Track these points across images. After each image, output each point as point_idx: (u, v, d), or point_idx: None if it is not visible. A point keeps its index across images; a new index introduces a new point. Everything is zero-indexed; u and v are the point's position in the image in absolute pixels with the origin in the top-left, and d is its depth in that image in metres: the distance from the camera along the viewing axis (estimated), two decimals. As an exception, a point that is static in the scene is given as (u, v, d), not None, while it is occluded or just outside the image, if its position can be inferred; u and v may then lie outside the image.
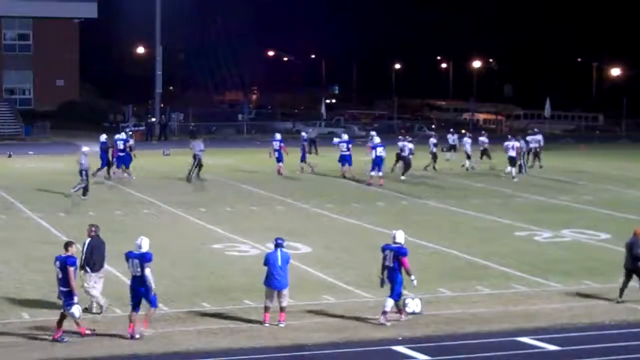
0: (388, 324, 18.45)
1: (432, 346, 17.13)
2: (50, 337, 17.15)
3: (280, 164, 43.61)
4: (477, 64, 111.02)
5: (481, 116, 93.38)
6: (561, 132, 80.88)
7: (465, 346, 17.20)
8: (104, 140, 42.32)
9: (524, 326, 18.44)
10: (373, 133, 44.73)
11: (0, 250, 25.23)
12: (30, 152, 55.48)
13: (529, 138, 46.81)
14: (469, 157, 46.15)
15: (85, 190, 35.14)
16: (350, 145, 42.28)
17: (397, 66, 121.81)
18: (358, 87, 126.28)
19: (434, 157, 45.43)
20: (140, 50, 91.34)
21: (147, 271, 17.42)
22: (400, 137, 45.96)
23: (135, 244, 17.69)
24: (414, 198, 36.23)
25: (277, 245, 18.63)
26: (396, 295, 18.57)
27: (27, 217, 30.99)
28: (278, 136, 45.10)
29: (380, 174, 40.04)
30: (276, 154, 44.00)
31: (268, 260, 18.50)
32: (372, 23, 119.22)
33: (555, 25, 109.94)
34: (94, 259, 18.98)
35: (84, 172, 35.05)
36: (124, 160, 41.85)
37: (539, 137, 47.70)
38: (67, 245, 17.78)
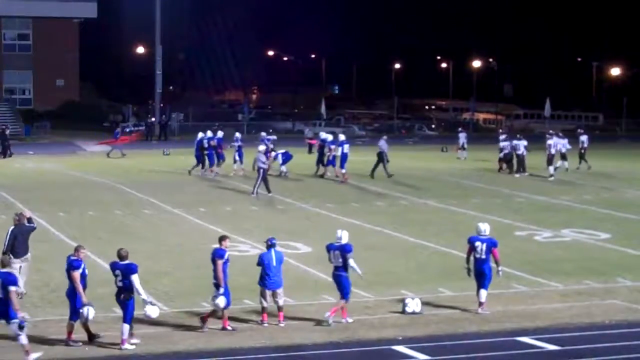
0: (488, 312, 19.19)
1: (432, 346, 17.12)
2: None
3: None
4: (477, 64, 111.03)
5: (481, 116, 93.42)
6: (561, 131, 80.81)
7: (465, 346, 17.20)
8: (200, 138, 43.42)
9: (524, 326, 18.44)
10: (326, 134, 44.71)
11: None
12: (30, 152, 55.48)
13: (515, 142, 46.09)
14: (564, 157, 45.50)
15: (255, 187, 36.16)
16: (332, 146, 42.28)
17: (397, 66, 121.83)
18: (358, 87, 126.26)
19: (521, 161, 44.18)
20: (140, 50, 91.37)
21: (351, 261, 18.45)
22: (502, 136, 46.18)
23: (335, 236, 18.72)
24: (414, 198, 36.23)
25: (271, 246, 18.64)
26: (487, 286, 19.41)
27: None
28: (264, 135, 45.11)
29: (344, 170, 40.76)
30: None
31: (262, 261, 18.51)
32: (372, 23, 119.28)
33: (555, 25, 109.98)
34: (17, 246, 19.68)
35: (261, 171, 36.14)
36: (210, 158, 42.97)
37: (584, 137, 47.36)
38: (222, 239, 18.46)
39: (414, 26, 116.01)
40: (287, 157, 42.60)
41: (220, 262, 18.07)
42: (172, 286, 21.22)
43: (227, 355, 16.61)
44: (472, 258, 19.68)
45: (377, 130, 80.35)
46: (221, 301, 17.90)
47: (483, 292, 19.38)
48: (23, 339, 15.81)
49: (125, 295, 17.03)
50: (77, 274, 16.87)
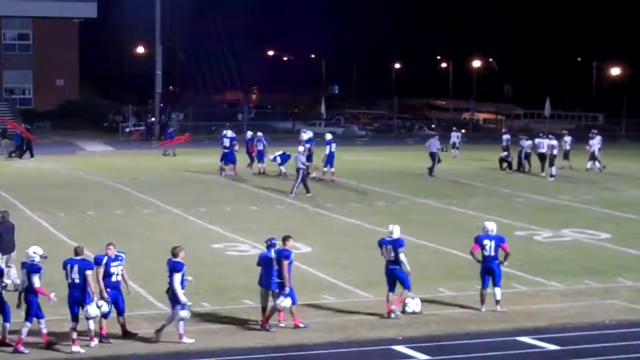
0: (505, 309, 19.37)
1: (432, 346, 17.13)
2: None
3: (262, 164, 43.58)
4: (477, 64, 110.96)
5: (481, 116, 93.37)
6: (561, 131, 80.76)
7: (465, 346, 17.21)
8: (223, 134, 43.79)
9: (524, 326, 18.45)
10: (305, 131, 44.82)
11: None
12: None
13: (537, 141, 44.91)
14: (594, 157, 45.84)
15: (294, 187, 36.31)
16: (307, 145, 42.48)
17: (397, 66, 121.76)
18: (358, 87, 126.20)
19: (593, 157, 44.17)
20: (140, 50, 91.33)
21: (402, 256, 18.93)
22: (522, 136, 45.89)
23: (387, 231, 19.45)
24: (414, 198, 36.24)
25: (271, 246, 18.65)
26: (499, 283, 19.59)
27: (27, 217, 30.95)
28: (260, 135, 45.01)
29: (333, 169, 40.77)
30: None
31: (262, 261, 18.52)
32: (372, 23, 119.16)
33: (555, 25, 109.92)
34: (4, 242, 20.63)
35: (301, 171, 36.40)
36: (230, 157, 43.28)
37: (598, 138, 46.45)
38: (285, 239, 18.57)
39: (414, 26, 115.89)
40: (285, 158, 42.68)
41: (286, 263, 18.24)
42: (172, 286, 21.19)
43: (227, 355, 16.63)
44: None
45: (377, 130, 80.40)
46: (287, 302, 18.17)
47: (498, 290, 19.50)
48: (91, 324, 16.99)
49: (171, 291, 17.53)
50: (99, 270, 17.50)
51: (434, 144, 43.72)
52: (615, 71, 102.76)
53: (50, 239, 26.70)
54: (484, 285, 19.59)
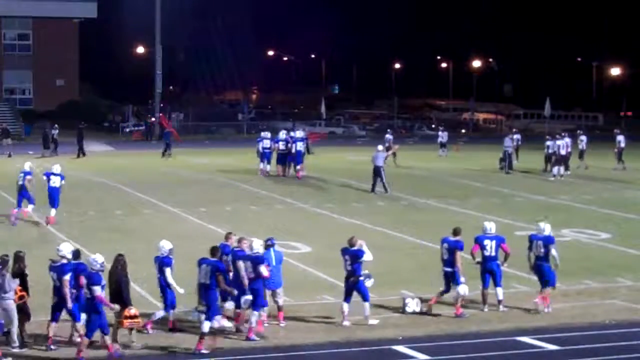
0: (507, 308, 19.56)
1: (432, 346, 17.14)
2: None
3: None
4: (477, 64, 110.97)
5: (481, 116, 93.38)
6: (561, 131, 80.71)
7: (465, 346, 17.21)
8: (261, 138, 43.95)
9: (524, 326, 18.45)
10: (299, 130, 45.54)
11: (0, 250, 25.18)
12: (30, 152, 55.43)
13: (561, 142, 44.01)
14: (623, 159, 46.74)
15: (385, 185, 37.05)
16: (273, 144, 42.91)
17: (397, 66, 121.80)
18: (358, 87, 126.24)
19: (565, 159, 44.82)
20: (140, 50, 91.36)
21: (553, 251, 19.56)
22: (548, 137, 45.97)
23: (538, 227, 20.11)
24: (414, 198, 36.24)
25: (270, 246, 18.67)
26: (500, 282, 19.88)
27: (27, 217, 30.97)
28: (265, 134, 44.83)
29: (300, 166, 41.70)
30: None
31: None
32: (372, 23, 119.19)
33: (555, 25, 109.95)
34: None
35: (381, 169, 37.09)
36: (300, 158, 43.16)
37: (621, 137, 48.10)
38: (457, 231, 19.57)
39: (414, 26, 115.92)
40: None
41: (459, 253, 19.22)
42: (172, 286, 21.18)
43: (227, 355, 16.63)
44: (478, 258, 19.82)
45: (377, 130, 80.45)
46: (464, 288, 19.10)
47: (500, 290, 19.65)
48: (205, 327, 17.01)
49: (354, 278, 18.38)
50: (240, 264, 17.93)
51: (507, 142, 44.88)
52: (615, 71, 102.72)
53: (50, 239, 26.69)
54: (485, 285, 19.63)
